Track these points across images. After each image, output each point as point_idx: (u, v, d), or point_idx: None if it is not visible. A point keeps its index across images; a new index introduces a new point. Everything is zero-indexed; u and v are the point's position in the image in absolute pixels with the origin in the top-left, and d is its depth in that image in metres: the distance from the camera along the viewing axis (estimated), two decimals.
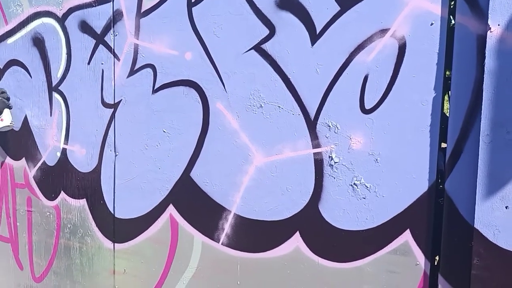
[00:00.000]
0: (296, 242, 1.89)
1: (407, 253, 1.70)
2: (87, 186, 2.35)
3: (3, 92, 2.46)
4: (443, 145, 1.66)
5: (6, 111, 2.45)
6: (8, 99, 2.48)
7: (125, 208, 2.26)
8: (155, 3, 2.06)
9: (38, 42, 2.43)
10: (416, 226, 1.68)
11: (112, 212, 2.29)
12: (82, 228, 2.40)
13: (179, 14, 2.01)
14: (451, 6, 1.58)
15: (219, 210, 2.02)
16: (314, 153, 1.83)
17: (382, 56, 1.68)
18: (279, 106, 1.87)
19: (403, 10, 1.63)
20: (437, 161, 1.64)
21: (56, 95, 2.40)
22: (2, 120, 2.43)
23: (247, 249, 1.98)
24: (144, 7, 2.09)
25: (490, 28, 1.47)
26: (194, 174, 2.06)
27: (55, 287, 2.55)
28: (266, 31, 1.86)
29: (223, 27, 1.94)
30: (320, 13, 1.76)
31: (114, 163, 2.25)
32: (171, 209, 2.13)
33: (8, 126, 2.46)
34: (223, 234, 2.02)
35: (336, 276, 1.82)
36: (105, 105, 2.24)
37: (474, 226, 1.54)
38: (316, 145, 1.82)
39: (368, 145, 1.73)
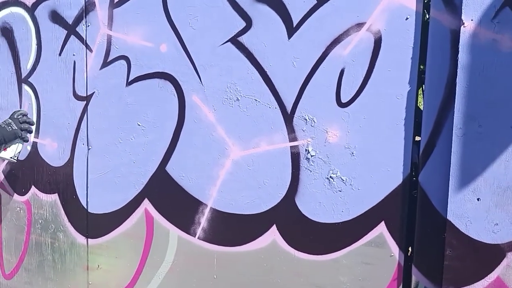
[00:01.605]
0: (273, 235, 1.89)
1: (381, 245, 1.72)
2: (59, 181, 2.29)
3: (25, 122, 2.15)
4: (417, 138, 1.69)
5: (16, 145, 2.15)
6: (29, 131, 2.18)
7: (98, 202, 2.21)
8: None
9: (7, 32, 2.34)
10: (391, 218, 1.70)
11: (85, 207, 2.24)
12: (54, 223, 2.35)
13: (154, 5, 1.97)
14: (426, 1, 1.60)
15: (195, 204, 2.00)
16: (291, 147, 1.83)
17: (358, 50, 1.69)
18: (256, 99, 1.86)
19: (379, 4, 1.64)
20: (411, 154, 1.66)
21: (26, 87, 2.33)
22: (5, 150, 2.14)
23: (224, 243, 1.98)
24: None
25: (463, 23, 1.50)
26: (170, 168, 2.03)
27: (26, 284, 2.49)
28: (242, 24, 1.85)
29: (199, 19, 1.91)
30: (297, 6, 1.75)
31: (87, 157, 2.20)
32: (146, 204, 2.10)
33: (8, 159, 2.17)
34: (199, 228, 2.01)
35: (312, 269, 1.83)
36: (77, 97, 2.19)
37: (447, 217, 1.57)
38: (292, 138, 1.82)
39: (344, 139, 1.74)
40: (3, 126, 2.11)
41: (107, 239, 2.21)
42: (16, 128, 2.12)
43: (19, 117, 2.15)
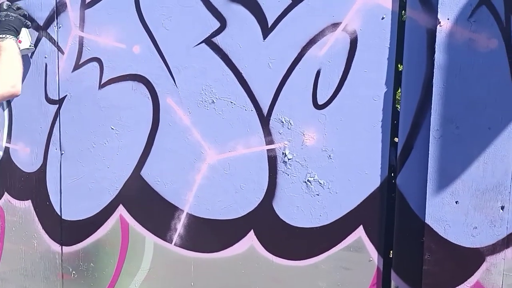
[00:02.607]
0: (250, 241, 1.85)
1: (360, 249, 1.69)
2: (32, 187, 2.23)
3: (19, 8, 2.02)
4: (396, 139, 1.65)
5: (24, 31, 2.02)
6: (25, 16, 2.03)
7: (72, 209, 2.15)
8: None
9: None
10: (369, 222, 1.67)
11: (59, 213, 2.18)
12: (27, 230, 2.28)
13: (126, 5, 1.92)
14: (402, 0, 1.56)
15: (172, 210, 1.95)
16: (268, 150, 1.79)
17: (334, 50, 1.65)
18: (232, 102, 1.82)
19: (355, 3, 1.60)
20: (389, 156, 1.63)
21: None
22: (20, 41, 1.99)
23: (201, 249, 1.93)
24: None
25: (439, 22, 1.47)
26: (145, 173, 1.98)
27: None
28: (217, 24, 1.80)
29: (172, 19, 1.86)
30: (272, 6, 1.71)
31: (60, 162, 2.13)
32: (121, 210, 2.04)
33: (28, 49, 2.04)
34: (175, 234, 1.96)
35: (291, 274, 1.79)
36: (49, 101, 2.12)
37: (425, 221, 1.54)
38: (269, 141, 1.78)
39: (321, 141, 1.71)
40: (4, 19, 1.96)
41: (81, 246, 2.15)
42: (16, 15, 2.00)
43: (9, 6, 2.01)
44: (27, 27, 2.04)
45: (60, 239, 2.20)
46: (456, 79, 1.46)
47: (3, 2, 2.02)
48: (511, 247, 1.46)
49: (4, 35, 1.93)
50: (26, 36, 2.03)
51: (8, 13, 1.98)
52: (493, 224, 1.47)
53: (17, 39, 1.99)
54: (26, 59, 2.14)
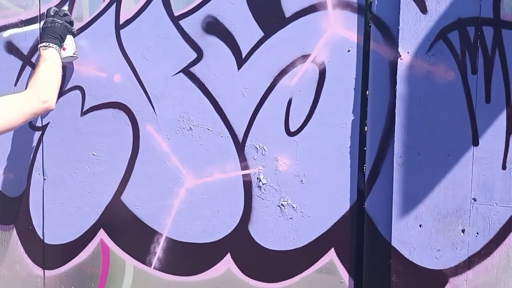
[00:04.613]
0: (227, 264, 1.90)
1: (332, 271, 1.74)
2: (15, 211, 2.26)
3: (65, 15, 1.95)
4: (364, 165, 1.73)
5: (69, 38, 1.95)
6: (71, 23, 1.96)
7: (55, 233, 2.18)
8: (83, 24, 2.03)
9: None
10: (340, 245, 1.73)
11: (42, 237, 2.21)
12: (10, 255, 2.31)
13: (107, 36, 1.99)
14: (366, 34, 1.65)
15: (151, 234, 2.00)
16: (243, 175, 1.85)
17: (304, 80, 1.73)
18: (208, 129, 1.89)
19: (322, 37, 1.69)
20: (357, 181, 1.70)
21: None
22: (64, 49, 1.92)
23: (179, 273, 1.97)
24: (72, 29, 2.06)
25: (400, 56, 1.55)
26: (125, 198, 2.03)
27: None
28: (194, 55, 1.88)
29: (151, 50, 1.94)
30: (245, 38, 1.80)
31: (43, 188, 2.18)
32: (101, 234, 2.08)
33: (72, 56, 1.97)
34: (155, 258, 2.00)
35: None
36: (33, 127, 2.17)
37: (392, 244, 1.60)
38: (244, 167, 1.85)
39: (293, 167, 1.77)
40: (50, 25, 1.90)
41: (63, 270, 2.18)
42: (62, 21, 1.93)
43: (56, 12, 1.96)
44: (73, 34, 1.99)
45: (43, 263, 2.23)
46: (417, 108, 1.54)
47: (50, 8, 1.96)
48: (472, 269, 1.52)
49: (47, 43, 1.87)
50: (71, 44, 1.98)
51: (55, 19, 1.92)
52: (455, 247, 1.53)
53: (62, 46, 1.93)
54: (9, 87, 2.20)
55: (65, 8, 2.03)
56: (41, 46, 1.90)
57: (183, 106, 1.91)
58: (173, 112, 1.93)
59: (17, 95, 1.83)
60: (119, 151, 2.02)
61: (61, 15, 1.96)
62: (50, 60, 1.87)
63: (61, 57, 1.93)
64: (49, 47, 1.88)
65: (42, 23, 2.00)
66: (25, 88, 1.88)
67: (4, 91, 2.22)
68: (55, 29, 1.91)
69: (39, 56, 1.90)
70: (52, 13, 1.95)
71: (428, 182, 1.55)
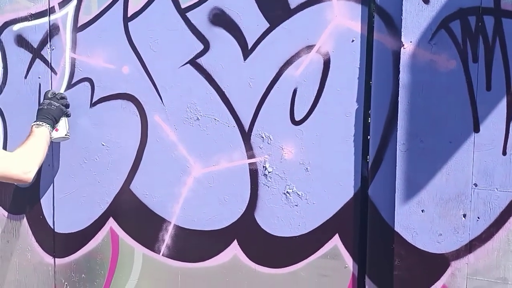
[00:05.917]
0: (234, 250, 1.95)
1: (336, 256, 1.79)
2: (26, 201, 2.32)
3: (62, 98, 2.08)
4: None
5: (63, 120, 2.08)
6: (67, 106, 2.10)
7: (65, 222, 2.24)
8: (91, 18, 2.08)
9: None
10: (344, 231, 1.77)
11: (52, 226, 2.26)
12: (21, 243, 2.36)
13: (116, 29, 2.04)
14: (370, 24, 1.69)
15: (159, 222, 2.04)
16: (249, 164, 1.89)
17: (309, 70, 1.77)
18: (215, 119, 1.93)
19: (327, 27, 1.73)
20: (361, 169, 1.74)
21: None
22: (57, 130, 2.06)
23: (187, 259, 2.02)
24: (81, 22, 2.10)
25: (403, 45, 1.59)
26: (134, 187, 2.08)
27: None
28: (201, 46, 1.92)
29: (159, 41, 1.98)
30: (251, 29, 1.84)
31: (53, 178, 2.23)
32: (111, 222, 2.13)
33: (63, 137, 2.10)
34: (163, 245, 2.05)
35: (272, 282, 1.88)
36: None
37: (395, 229, 1.65)
38: (250, 155, 1.89)
39: (298, 155, 1.82)
40: (46, 107, 2.03)
41: (74, 258, 2.24)
42: (58, 104, 2.06)
43: (53, 95, 2.09)
44: (67, 116, 2.12)
45: (53, 251, 2.28)
46: (420, 96, 1.58)
47: (48, 91, 2.10)
48: (473, 253, 1.56)
49: (41, 123, 2.00)
50: (64, 125, 2.10)
51: (51, 101, 2.05)
52: (457, 231, 1.57)
53: (54, 127, 2.05)
54: (20, 80, 2.24)
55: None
56: (33, 125, 2.01)
57: (190, 97, 1.95)
58: (180, 102, 1.97)
59: (4, 152, 1.95)
60: (128, 141, 2.07)
61: (58, 98, 2.08)
62: (39, 136, 1.99)
63: (52, 137, 2.04)
64: (41, 126, 2.00)
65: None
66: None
67: (14, 84, 2.28)
68: (50, 111, 2.04)
69: (30, 132, 2.00)
70: (49, 96, 2.08)
71: (430, 168, 1.59)
